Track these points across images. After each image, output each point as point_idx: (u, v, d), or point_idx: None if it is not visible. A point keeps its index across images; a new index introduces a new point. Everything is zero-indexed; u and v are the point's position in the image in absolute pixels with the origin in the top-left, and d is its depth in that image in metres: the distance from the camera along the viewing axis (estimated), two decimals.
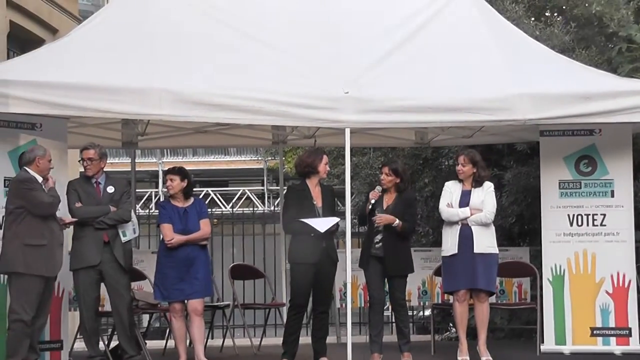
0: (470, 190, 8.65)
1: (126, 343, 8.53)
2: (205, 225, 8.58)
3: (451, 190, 8.71)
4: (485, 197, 8.61)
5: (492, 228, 8.67)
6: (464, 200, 8.61)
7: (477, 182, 8.66)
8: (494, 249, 8.63)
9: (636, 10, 11.16)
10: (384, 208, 8.64)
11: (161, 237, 8.59)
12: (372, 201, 8.59)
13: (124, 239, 8.52)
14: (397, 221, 8.52)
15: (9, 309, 7.97)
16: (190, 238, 8.47)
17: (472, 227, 8.54)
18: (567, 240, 9.27)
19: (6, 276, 8.09)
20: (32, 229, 7.93)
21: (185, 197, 8.61)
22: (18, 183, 8.01)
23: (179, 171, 8.66)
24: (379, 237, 8.61)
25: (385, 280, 8.70)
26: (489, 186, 8.70)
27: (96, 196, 8.50)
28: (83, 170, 8.63)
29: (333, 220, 8.35)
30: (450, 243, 8.60)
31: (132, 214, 8.73)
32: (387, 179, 8.66)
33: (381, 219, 8.56)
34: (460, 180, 8.72)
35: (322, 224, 8.30)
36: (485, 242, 8.56)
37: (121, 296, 8.51)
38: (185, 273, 8.43)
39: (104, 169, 8.65)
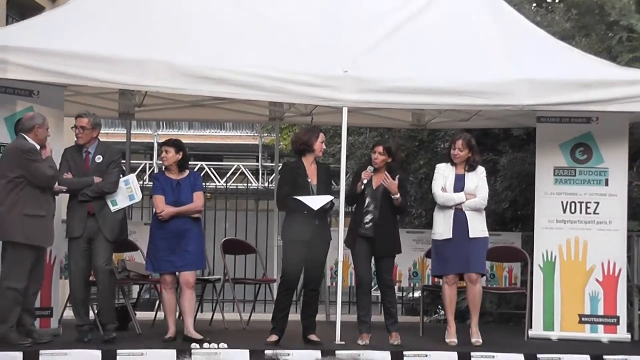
0: (464, 175, 8.66)
1: (104, 312, 8.49)
2: (197, 198, 8.56)
3: (444, 174, 8.71)
4: (479, 182, 8.63)
5: (484, 212, 8.70)
6: (459, 185, 8.62)
7: (471, 167, 8.67)
8: (486, 233, 8.68)
9: (637, 0, 11.15)
10: (374, 188, 8.61)
11: (154, 209, 8.59)
12: (365, 181, 8.55)
13: (113, 208, 8.35)
14: (398, 195, 8.51)
15: (1, 276, 7.98)
16: (181, 210, 8.46)
17: (466, 212, 8.56)
18: (559, 227, 9.29)
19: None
20: (31, 199, 7.90)
21: (179, 169, 8.59)
22: (20, 152, 7.95)
23: (174, 143, 8.63)
24: (368, 217, 8.59)
25: (372, 260, 8.69)
26: (482, 171, 8.71)
27: (83, 166, 8.40)
28: (75, 140, 8.56)
29: (326, 198, 8.35)
30: (443, 227, 8.61)
31: (133, 177, 8.58)
32: (380, 158, 8.60)
33: (388, 180, 8.48)
34: (453, 163, 8.71)
35: (315, 201, 8.30)
36: (479, 226, 8.59)
37: (99, 267, 8.35)
38: (176, 245, 8.43)
39: (98, 138, 8.54)
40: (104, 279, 8.39)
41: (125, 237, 8.73)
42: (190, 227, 8.50)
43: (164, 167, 8.69)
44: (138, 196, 8.48)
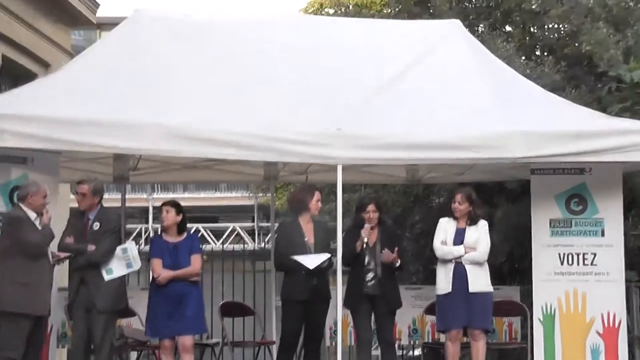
0: (465, 229, 8.66)
1: None
2: (195, 261, 8.51)
3: (445, 228, 8.71)
4: (480, 236, 8.61)
5: (486, 266, 8.67)
6: (459, 239, 8.61)
7: (472, 220, 8.67)
8: (489, 288, 8.64)
9: (625, 50, 11.24)
10: (371, 246, 8.60)
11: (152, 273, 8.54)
12: (366, 240, 8.54)
13: (107, 277, 8.25)
14: (399, 262, 8.55)
15: None
16: (179, 274, 8.41)
17: (466, 266, 8.54)
18: (557, 279, 9.23)
19: None
20: (22, 268, 7.87)
21: (178, 231, 8.57)
22: (6, 222, 7.99)
23: (175, 204, 8.64)
24: (370, 274, 8.57)
25: (372, 319, 8.63)
26: (483, 224, 8.70)
27: (83, 232, 8.38)
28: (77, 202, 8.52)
29: (323, 257, 8.32)
30: (444, 282, 8.58)
31: (133, 245, 8.48)
32: (374, 216, 8.65)
33: (390, 257, 8.50)
34: (455, 218, 8.72)
35: (311, 261, 8.27)
36: (480, 280, 8.55)
37: (95, 336, 8.30)
38: (174, 310, 8.37)
39: (101, 204, 8.51)
40: (98, 353, 8.31)
41: (123, 306, 8.59)
42: (189, 291, 8.45)
43: (161, 229, 8.65)
44: (137, 265, 8.37)
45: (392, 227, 8.85)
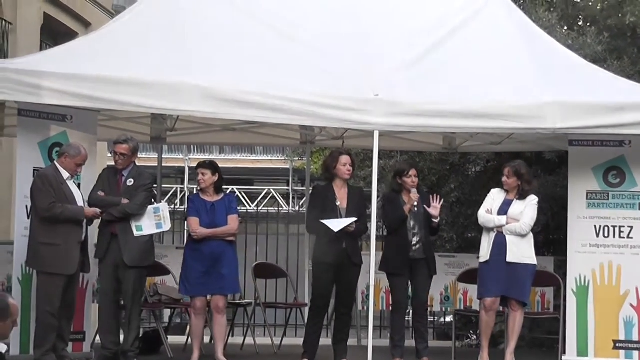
0: (513, 200, 8.63)
1: (126, 336, 8.47)
2: (232, 221, 8.55)
3: (494, 198, 8.72)
4: (526, 209, 8.59)
5: (531, 239, 8.63)
6: (504, 209, 8.60)
7: (522, 195, 8.63)
8: (531, 260, 8.60)
9: None
10: (412, 212, 8.64)
11: (189, 231, 8.59)
12: (416, 204, 8.58)
13: (137, 234, 8.29)
14: (439, 218, 8.75)
15: (36, 301, 8.05)
16: (216, 232, 8.46)
17: (507, 236, 8.52)
18: (592, 251, 9.20)
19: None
20: (45, 228, 7.95)
21: (216, 191, 8.61)
22: (34, 180, 8.08)
23: (211, 165, 8.66)
24: (416, 238, 8.61)
25: (409, 282, 8.66)
26: (532, 199, 8.66)
27: (116, 188, 8.42)
28: (113, 163, 8.58)
29: (348, 220, 8.32)
30: (485, 250, 8.60)
31: (165, 206, 8.49)
32: (416, 181, 8.71)
33: (438, 207, 8.64)
34: (507, 190, 8.70)
35: (337, 224, 8.29)
36: (521, 251, 8.53)
37: (123, 291, 8.40)
38: (210, 268, 8.41)
39: (135, 162, 8.56)
40: (130, 309, 8.41)
41: (151, 262, 8.64)
42: (224, 250, 8.49)
43: (199, 189, 8.70)
44: (167, 226, 8.39)
45: (428, 194, 8.90)
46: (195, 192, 8.88)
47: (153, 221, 8.37)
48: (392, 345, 8.67)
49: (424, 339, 8.69)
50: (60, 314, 8.00)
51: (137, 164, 8.65)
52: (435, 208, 8.65)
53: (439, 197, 8.80)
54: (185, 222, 8.68)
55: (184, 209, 9.48)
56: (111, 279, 8.41)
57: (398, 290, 8.64)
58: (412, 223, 8.62)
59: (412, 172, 8.72)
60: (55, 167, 8.14)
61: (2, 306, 5.22)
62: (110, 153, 8.53)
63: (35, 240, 7.99)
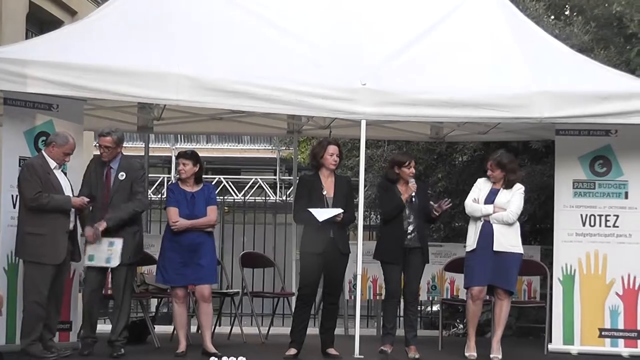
0: (499, 190, 8.63)
1: (114, 325, 8.45)
2: (211, 212, 8.54)
3: (480, 187, 8.71)
4: (512, 198, 8.58)
5: (517, 228, 8.61)
6: (490, 198, 8.59)
7: (507, 184, 8.63)
8: (517, 249, 8.58)
9: None
10: (408, 201, 8.64)
11: (167, 221, 8.56)
12: (414, 193, 8.58)
13: (87, 263, 8.29)
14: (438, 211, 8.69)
15: (23, 291, 8.03)
16: (195, 223, 8.44)
17: (494, 225, 8.52)
18: (579, 240, 9.25)
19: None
20: (32, 217, 7.93)
21: (196, 181, 8.59)
22: (21, 169, 8.07)
23: (192, 155, 8.62)
24: (411, 227, 8.60)
25: (402, 271, 8.67)
26: (518, 188, 8.65)
27: (102, 180, 8.31)
28: (99, 154, 8.50)
29: (334, 211, 8.32)
30: (471, 239, 8.60)
31: (120, 243, 8.28)
32: (414, 171, 8.68)
33: (444, 206, 8.63)
34: (493, 181, 8.70)
35: (322, 214, 8.28)
36: (508, 240, 8.53)
37: (114, 285, 8.45)
38: (189, 259, 8.40)
39: (122, 152, 8.48)
40: (121, 302, 8.40)
41: (141, 257, 8.67)
42: (203, 240, 8.48)
43: (178, 179, 8.66)
44: (114, 263, 8.25)
45: (424, 184, 8.90)
46: (173, 181, 8.82)
47: (104, 254, 8.28)
48: (384, 332, 8.68)
49: (413, 327, 8.70)
50: (49, 304, 7.98)
51: (124, 154, 8.59)
52: (440, 209, 8.64)
53: (449, 202, 8.75)
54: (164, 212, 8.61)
55: None
56: (98, 272, 8.38)
57: (392, 279, 8.64)
58: (407, 212, 8.62)
59: (412, 163, 8.72)
60: (42, 156, 8.11)
61: None
62: (96, 146, 8.43)
63: (22, 230, 7.97)
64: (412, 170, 8.67)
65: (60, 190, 8.05)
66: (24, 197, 7.94)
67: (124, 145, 8.62)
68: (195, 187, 8.57)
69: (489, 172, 8.67)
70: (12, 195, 8.28)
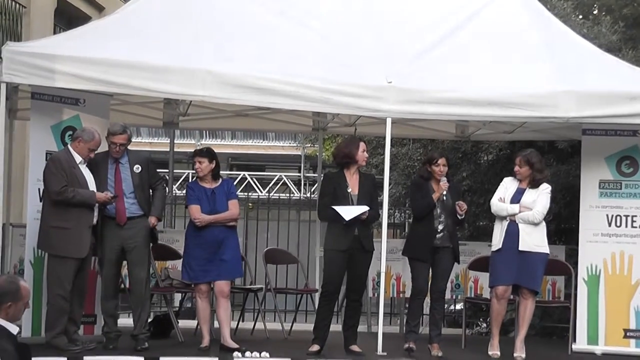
0: (525, 189, 8.60)
1: (136, 320, 8.48)
2: (233, 206, 8.55)
3: (507, 186, 8.69)
4: (539, 197, 8.55)
5: (543, 227, 8.58)
6: (517, 198, 8.57)
7: (534, 183, 8.59)
8: (543, 248, 8.56)
9: None
10: (439, 200, 8.61)
11: (189, 218, 8.57)
12: (445, 192, 8.55)
13: None
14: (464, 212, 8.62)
15: (47, 284, 8.09)
16: (218, 218, 8.46)
17: (519, 225, 8.50)
18: (604, 240, 9.20)
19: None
20: (56, 211, 7.97)
21: (213, 178, 8.60)
22: (46, 163, 8.10)
23: (208, 152, 8.62)
24: (441, 226, 8.58)
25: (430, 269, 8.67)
26: (545, 187, 8.61)
27: (106, 173, 8.28)
28: (110, 150, 8.37)
29: (361, 208, 8.31)
30: (497, 238, 8.58)
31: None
32: (444, 170, 8.63)
33: (464, 207, 8.56)
34: (519, 179, 8.67)
35: (348, 212, 8.28)
36: (533, 240, 8.49)
37: (133, 276, 8.48)
38: (212, 254, 8.41)
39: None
40: (138, 289, 8.44)
41: (154, 242, 8.68)
42: (226, 235, 8.49)
43: (197, 176, 8.67)
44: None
45: (457, 183, 8.87)
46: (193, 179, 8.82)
47: None
48: (407, 329, 8.68)
49: (437, 326, 8.70)
50: (72, 297, 8.03)
51: (150, 150, 8.64)
52: (462, 206, 8.59)
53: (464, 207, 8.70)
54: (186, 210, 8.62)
55: None
56: (116, 263, 8.42)
57: (419, 276, 8.63)
58: (438, 211, 8.60)
59: (441, 160, 8.67)
60: (68, 150, 8.16)
61: (13, 288, 5.24)
62: (110, 144, 8.34)
63: (46, 224, 8.02)
64: (442, 168, 8.64)
65: (85, 185, 8.09)
66: (50, 191, 7.98)
67: (149, 141, 8.68)
68: (214, 183, 8.58)
69: (516, 168, 8.63)
70: (39, 189, 8.33)
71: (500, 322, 8.70)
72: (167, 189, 8.59)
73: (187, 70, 8.21)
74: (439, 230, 8.58)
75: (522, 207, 8.52)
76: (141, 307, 8.44)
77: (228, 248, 8.48)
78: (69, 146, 8.21)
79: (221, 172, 8.87)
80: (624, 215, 9.17)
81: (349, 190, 8.43)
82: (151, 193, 8.54)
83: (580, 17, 12.09)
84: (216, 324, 8.81)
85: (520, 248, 8.47)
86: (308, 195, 19.23)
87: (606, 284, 9.14)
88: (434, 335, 8.66)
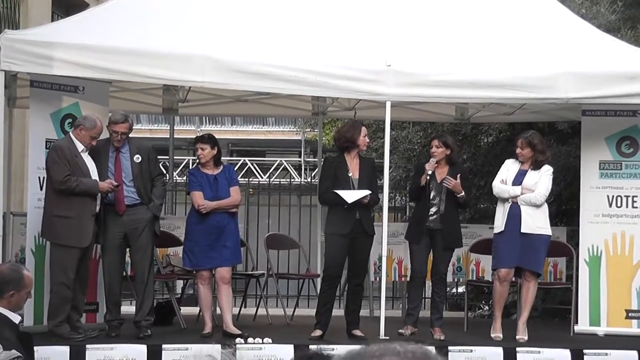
0: (527, 171, 8.59)
1: (138, 307, 8.48)
2: (235, 193, 8.58)
3: (508, 168, 8.68)
4: (541, 179, 8.54)
5: (545, 209, 8.59)
6: (518, 179, 8.56)
7: (536, 165, 8.58)
8: (545, 230, 8.56)
9: None
10: (438, 182, 8.60)
11: (191, 205, 8.57)
12: (429, 172, 8.53)
13: None
14: (462, 193, 8.53)
15: (50, 273, 8.08)
16: (221, 204, 8.47)
17: (521, 207, 8.49)
18: (605, 221, 9.19)
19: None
20: (59, 200, 7.96)
21: (215, 164, 8.60)
22: (49, 152, 8.09)
23: (209, 139, 8.62)
24: (433, 209, 8.58)
25: (429, 253, 8.66)
26: (547, 169, 8.60)
27: (107, 162, 8.25)
28: (111, 139, 8.33)
29: (362, 192, 8.32)
30: (499, 221, 8.58)
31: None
32: (438, 151, 8.62)
33: (452, 182, 8.49)
34: (521, 161, 8.66)
35: (350, 195, 8.28)
36: (535, 222, 8.49)
37: (135, 263, 8.50)
38: (215, 241, 8.44)
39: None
40: (141, 277, 8.43)
41: (157, 231, 8.63)
42: (228, 222, 8.52)
43: (198, 163, 8.66)
44: None
45: (464, 168, 8.82)
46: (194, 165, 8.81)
47: None
48: (407, 314, 8.70)
49: (438, 310, 8.71)
50: (75, 286, 8.04)
51: (149, 136, 8.63)
52: (450, 185, 8.54)
53: (458, 175, 8.65)
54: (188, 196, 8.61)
55: None
56: (119, 251, 8.41)
57: (415, 259, 8.66)
58: (432, 194, 8.60)
59: (434, 142, 8.69)
60: (70, 138, 8.13)
61: (17, 277, 5.25)
62: (111, 133, 8.29)
63: (49, 213, 8.01)
64: (434, 149, 8.62)
65: (87, 173, 8.08)
66: (53, 180, 7.97)
67: (148, 127, 8.66)
68: (216, 169, 8.59)
69: (517, 150, 8.62)
70: (39, 177, 8.32)
71: (502, 305, 8.71)
72: (166, 184, 8.54)
73: (186, 56, 8.20)
74: (431, 213, 8.58)
75: (524, 189, 8.50)
76: (143, 294, 8.44)
77: (230, 235, 8.50)
78: (70, 134, 8.18)
79: (222, 158, 8.86)
80: (625, 196, 9.16)
81: (350, 174, 8.43)
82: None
83: None
84: (218, 311, 8.83)
85: (523, 230, 8.46)
86: (309, 180, 19.22)
87: (607, 264, 9.14)
88: (435, 319, 8.66)
